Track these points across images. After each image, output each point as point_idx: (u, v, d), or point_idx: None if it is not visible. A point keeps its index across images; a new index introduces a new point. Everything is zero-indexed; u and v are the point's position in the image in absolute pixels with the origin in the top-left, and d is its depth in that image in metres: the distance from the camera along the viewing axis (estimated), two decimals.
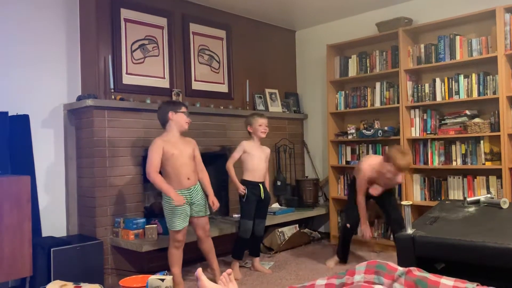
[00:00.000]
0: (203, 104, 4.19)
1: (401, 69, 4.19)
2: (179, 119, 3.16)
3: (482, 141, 3.78)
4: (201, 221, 3.25)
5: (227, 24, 4.57)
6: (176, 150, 3.13)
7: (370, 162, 3.60)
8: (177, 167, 3.12)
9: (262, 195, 3.63)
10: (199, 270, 1.95)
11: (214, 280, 3.07)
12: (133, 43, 3.79)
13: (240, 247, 3.63)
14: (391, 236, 4.27)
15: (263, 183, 3.68)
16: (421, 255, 1.96)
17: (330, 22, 5.07)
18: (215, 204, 3.34)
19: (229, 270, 1.99)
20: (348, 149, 4.71)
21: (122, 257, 3.52)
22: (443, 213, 2.47)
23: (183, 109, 3.19)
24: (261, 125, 3.63)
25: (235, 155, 3.61)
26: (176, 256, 3.14)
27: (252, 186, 3.59)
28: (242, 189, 3.55)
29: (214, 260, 3.34)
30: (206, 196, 3.35)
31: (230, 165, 3.59)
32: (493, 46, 3.73)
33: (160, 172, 3.13)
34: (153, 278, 2.79)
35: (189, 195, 3.16)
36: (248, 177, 3.61)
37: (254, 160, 3.61)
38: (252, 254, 3.74)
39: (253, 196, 3.59)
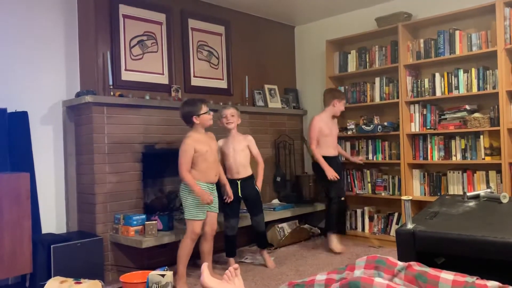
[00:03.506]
0: None
1: (400, 64, 4.18)
2: (202, 120, 3.22)
3: (481, 136, 3.78)
4: (212, 217, 3.33)
5: (226, 19, 4.56)
6: (208, 147, 3.23)
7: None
8: (210, 163, 3.24)
9: (240, 192, 3.57)
10: (205, 265, 1.95)
11: None
12: (131, 39, 3.78)
13: (228, 245, 3.63)
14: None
15: (243, 179, 3.58)
16: (421, 249, 1.96)
17: (329, 18, 5.06)
18: (231, 195, 3.49)
19: (235, 265, 2.00)
20: (348, 144, 4.71)
21: (122, 254, 3.53)
22: (443, 208, 2.47)
23: (204, 108, 3.22)
24: (225, 116, 3.56)
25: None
26: (188, 248, 3.18)
27: (230, 184, 3.55)
28: (230, 196, 3.50)
29: (209, 263, 3.35)
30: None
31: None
32: (493, 40, 3.72)
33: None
34: (154, 274, 2.80)
35: (212, 189, 3.28)
36: (226, 175, 3.60)
37: (229, 158, 3.57)
38: (259, 246, 3.77)
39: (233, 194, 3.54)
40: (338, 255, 3.98)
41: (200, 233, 3.24)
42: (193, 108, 3.23)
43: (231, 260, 3.61)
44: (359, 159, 4.42)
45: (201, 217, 3.20)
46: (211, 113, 3.29)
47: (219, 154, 3.55)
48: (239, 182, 3.58)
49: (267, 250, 3.84)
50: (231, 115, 3.56)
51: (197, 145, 3.17)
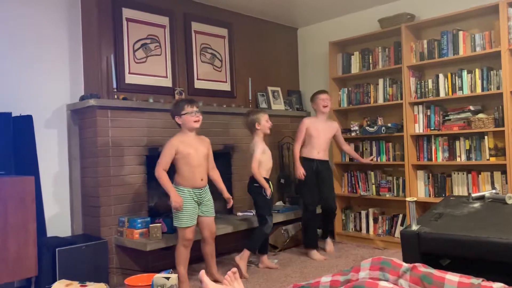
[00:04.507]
0: (206, 103, 4.18)
1: (404, 65, 4.17)
2: (185, 121, 3.15)
3: (486, 137, 3.77)
4: (208, 221, 3.28)
5: (229, 22, 4.57)
6: (192, 150, 3.16)
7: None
8: (192, 167, 3.16)
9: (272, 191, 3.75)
10: (202, 273, 1.95)
11: None
12: (135, 43, 3.79)
13: (259, 240, 3.63)
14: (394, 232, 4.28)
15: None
16: (426, 251, 1.96)
17: (332, 19, 5.06)
18: (231, 199, 3.45)
19: (234, 269, 1.99)
20: (352, 146, 4.70)
21: (127, 256, 3.53)
22: (448, 209, 2.46)
23: (187, 109, 3.14)
24: (267, 120, 3.71)
25: (258, 157, 3.61)
26: (183, 255, 3.16)
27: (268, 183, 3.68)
28: (270, 191, 3.60)
29: (213, 265, 3.37)
30: (214, 196, 3.40)
31: (256, 168, 3.61)
32: (497, 41, 3.71)
33: (172, 170, 3.18)
34: (158, 277, 2.80)
35: (200, 195, 3.20)
36: (264, 175, 3.67)
37: (270, 160, 3.72)
38: (261, 251, 3.77)
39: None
40: (343, 258, 3.97)
41: (193, 239, 3.19)
42: (174, 109, 3.19)
43: (246, 259, 3.58)
44: (369, 159, 4.37)
45: (190, 224, 3.14)
46: (198, 114, 3.16)
47: (255, 154, 3.58)
48: (270, 183, 3.72)
49: (272, 253, 3.84)
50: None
51: (180, 146, 3.11)
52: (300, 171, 4.03)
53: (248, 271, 3.60)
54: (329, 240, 4.26)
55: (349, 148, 4.42)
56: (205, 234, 3.29)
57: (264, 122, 3.69)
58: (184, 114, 3.13)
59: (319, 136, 4.11)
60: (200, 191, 3.21)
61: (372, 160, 4.39)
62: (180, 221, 3.12)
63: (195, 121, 3.15)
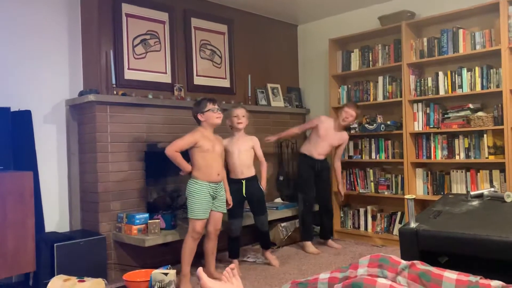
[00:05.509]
0: None
1: (403, 63, 4.17)
2: (208, 118, 3.23)
3: (485, 135, 3.77)
4: (217, 216, 3.32)
5: (229, 18, 4.56)
6: (211, 146, 3.24)
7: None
8: (209, 161, 3.22)
9: (244, 192, 3.58)
10: (200, 270, 1.96)
11: None
12: (134, 38, 3.78)
13: (232, 246, 3.64)
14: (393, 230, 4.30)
15: (248, 179, 3.60)
16: (424, 248, 1.96)
17: (332, 16, 5.05)
18: (230, 202, 3.48)
19: (232, 265, 1.99)
20: (351, 143, 4.70)
21: (125, 252, 3.53)
22: (447, 207, 2.46)
23: (210, 106, 3.23)
24: (236, 116, 3.57)
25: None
26: (190, 247, 3.18)
27: (233, 184, 3.55)
28: (229, 203, 3.48)
29: (212, 263, 3.38)
30: None
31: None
32: (497, 39, 3.71)
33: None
34: (157, 272, 2.81)
35: (215, 189, 3.25)
36: (230, 175, 3.59)
37: (234, 158, 3.56)
38: (262, 247, 3.80)
39: (235, 194, 3.52)
40: (341, 255, 3.98)
41: (203, 233, 3.24)
42: (197, 107, 3.28)
43: (235, 261, 3.60)
44: (341, 192, 4.43)
45: (202, 217, 3.18)
46: (220, 112, 3.26)
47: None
48: (243, 182, 3.58)
49: (270, 250, 3.84)
50: (242, 115, 3.58)
51: (201, 140, 3.19)
52: (273, 138, 4.19)
53: (247, 268, 3.60)
54: (331, 241, 4.28)
55: (339, 166, 4.39)
56: (210, 229, 3.31)
57: (231, 118, 3.59)
58: (207, 111, 3.22)
59: (326, 136, 4.14)
60: (216, 186, 3.26)
61: (342, 194, 4.45)
62: (194, 213, 3.16)
63: (217, 117, 3.26)
